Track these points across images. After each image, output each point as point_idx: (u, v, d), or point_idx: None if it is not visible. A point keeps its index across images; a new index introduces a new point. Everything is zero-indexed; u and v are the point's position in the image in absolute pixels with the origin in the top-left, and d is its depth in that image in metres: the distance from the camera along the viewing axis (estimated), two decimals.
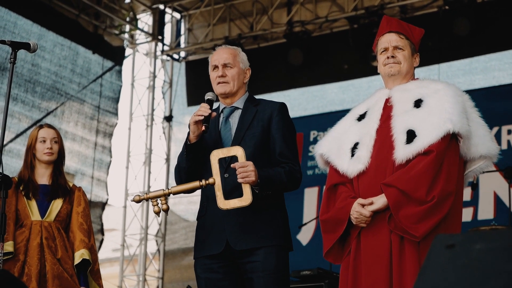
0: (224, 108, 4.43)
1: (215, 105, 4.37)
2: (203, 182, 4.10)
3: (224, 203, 4.06)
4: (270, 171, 4.17)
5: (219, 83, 4.37)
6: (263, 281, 4.13)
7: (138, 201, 4.15)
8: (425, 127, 3.82)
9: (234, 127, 4.35)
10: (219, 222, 4.22)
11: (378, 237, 3.83)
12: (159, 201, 4.12)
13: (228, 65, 4.38)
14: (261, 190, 4.10)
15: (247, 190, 4.04)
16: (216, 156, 4.09)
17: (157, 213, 4.13)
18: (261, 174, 4.08)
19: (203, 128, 4.16)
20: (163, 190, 4.14)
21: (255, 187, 4.07)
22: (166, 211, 4.14)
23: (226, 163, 4.18)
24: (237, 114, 4.39)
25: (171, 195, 4.19)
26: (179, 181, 4.37)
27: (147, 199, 4.13)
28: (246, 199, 4.03)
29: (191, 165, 4.29)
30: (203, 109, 4.18)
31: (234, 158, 4.12)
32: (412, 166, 3.78)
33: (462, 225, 3.99)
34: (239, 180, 4.03)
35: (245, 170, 4.02)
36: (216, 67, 4.40)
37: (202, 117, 4.15)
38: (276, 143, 4.28)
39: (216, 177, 4.08)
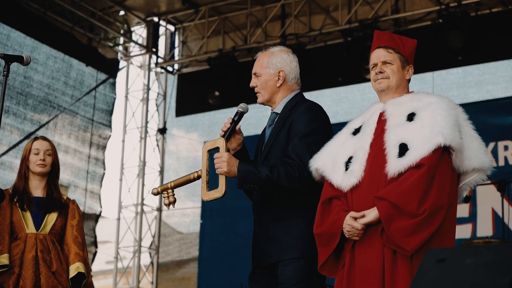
0: (272, 112, 4.43)
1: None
2: (195, 174, 4.20)
3: (205, 195, 4.13)
4: (254, 166, 4.15)
5: (255, 93, 4.40)
6: None
7: (156, 194, 4.32)
8: (417, 141, 3.82)
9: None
10: (254, 236, 4.31)
11: (371, 250, 3.83)
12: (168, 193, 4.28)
13: (257, 74, 4.38)
14: (239, 183, 4.11)
15: (222, 181, 4.09)
16: (205, 148, 4.19)
17: (168, 205, 4.24)
18: (241, 167, 4.09)
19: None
20: (169, 183, 4.28)
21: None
22: (173, 203, 4.24)
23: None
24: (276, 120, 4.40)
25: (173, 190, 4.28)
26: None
27: (161, 192, 4.26)
28: (219, 190, 4.08)
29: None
30: (225, 124, 4.23)
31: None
32: (404, 180, 3.77)
33: (461, 242, 3.97)
34: (216, 171, 4.09)
35: (219, 160, 4.06)
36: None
37: (223, 133, 4.20)
38: (288, 144, 4.24)
39: (202, 169, 4.15)
